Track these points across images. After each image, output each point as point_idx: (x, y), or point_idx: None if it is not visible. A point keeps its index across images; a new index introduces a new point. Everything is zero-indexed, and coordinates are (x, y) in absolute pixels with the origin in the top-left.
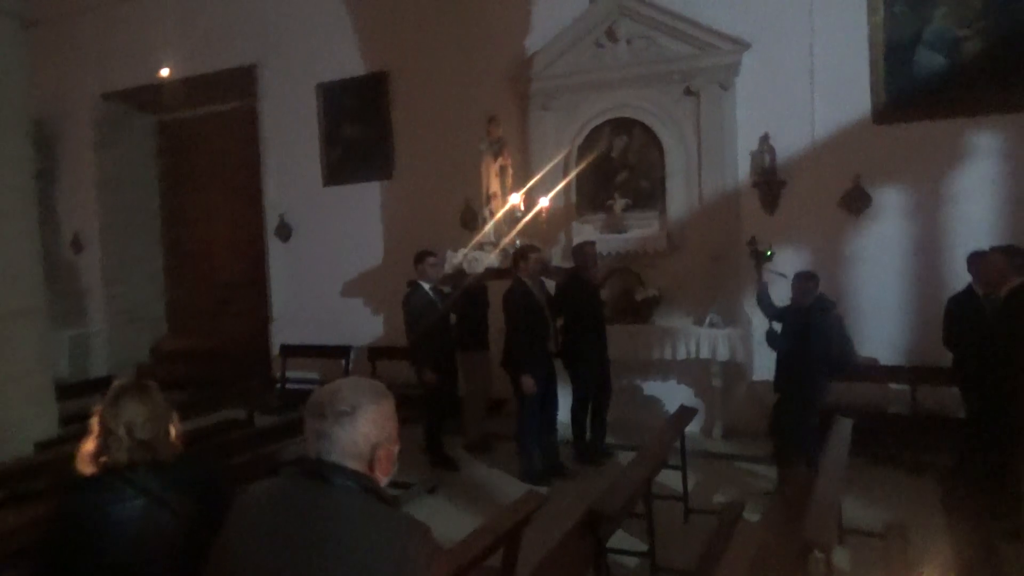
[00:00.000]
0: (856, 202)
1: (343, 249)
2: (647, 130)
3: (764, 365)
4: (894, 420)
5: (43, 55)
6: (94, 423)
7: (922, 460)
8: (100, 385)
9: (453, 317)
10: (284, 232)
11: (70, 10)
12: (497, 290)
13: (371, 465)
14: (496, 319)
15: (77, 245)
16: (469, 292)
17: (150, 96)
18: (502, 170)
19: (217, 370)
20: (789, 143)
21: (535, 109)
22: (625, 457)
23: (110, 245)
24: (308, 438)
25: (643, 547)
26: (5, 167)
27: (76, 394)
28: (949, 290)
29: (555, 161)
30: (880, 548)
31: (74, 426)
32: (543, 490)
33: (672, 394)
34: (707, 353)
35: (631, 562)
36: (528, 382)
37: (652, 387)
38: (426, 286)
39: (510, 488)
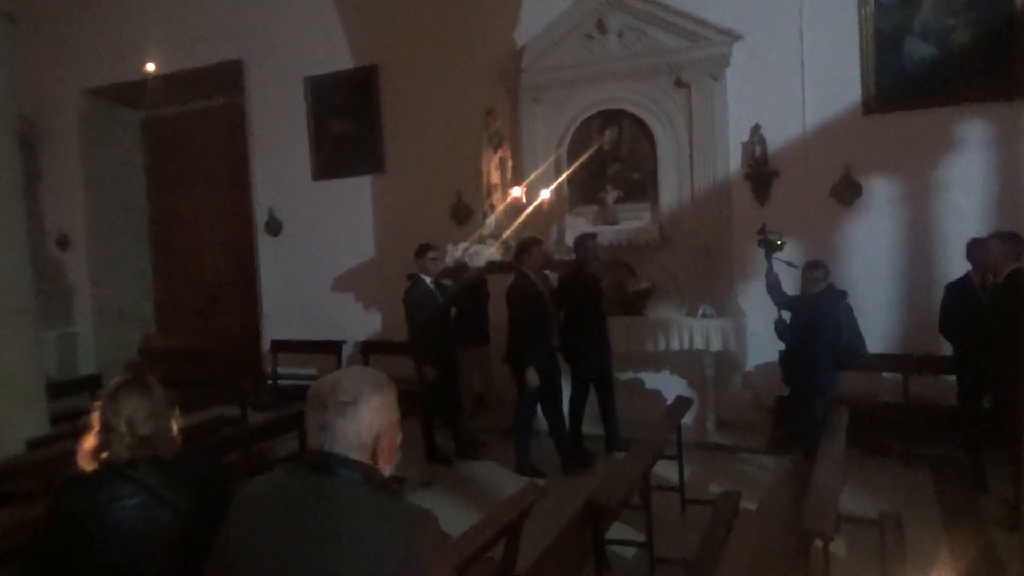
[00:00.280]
0: (847, 192)
1: (334, 244)
2: (638, 122)
3: (757, 356)
4: (886, 409)
5: (27, 51)
6: (94, 419)
7: (914, 449)
8: (88, 384)
9: (453, 311)
10: (274, 228)
11: (54, 6)
12: (496, 283)
13: (374, 455)
14: (494, 313)
15: (63, 242)
16: (470, 286)
17: (135, 92)
18: (502, 162)
19: (208, 368)
20: (780, 134)
21: (526, 102)
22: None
23: (96, 243)
24: (309, 430)
25: (641, 538)
26: None
27: (64, 393)
28: (940, 279)
29: (556, 154)
30: (875, 537)
31: (64, 425)
32: (541, 482)
33: (665, 385)
34: (700, 344)
35: (629, 552)
36: (532, 376)
37: (645, 378)
38: (427, 280)
39: (505, 481)
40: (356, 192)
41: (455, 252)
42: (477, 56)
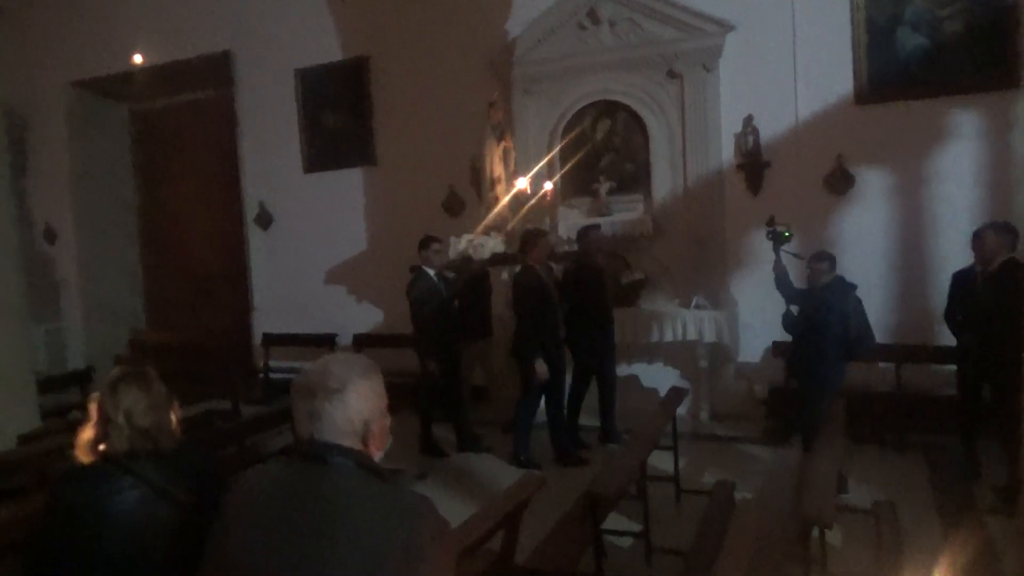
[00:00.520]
0: (839, 182)
1: (325, 237)
2: (631, 113)
3: (749, 346)
4: (879, 399)
5: (12, 43)
6: (92, 410)
7: (907, 438)
8: (79, 378)
9: (456, 304)
10: (264, 220)
11: None
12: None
13: (365, 441)
14: (495, 306)
15: (50, 236)
16: (473, 278)
17: (123, 85)
18: (505, 153)
19: (199, 362)
20: (772, 125)
21: (518, 93)
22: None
23: (84, 237)
24: (298, 420)
25: (637, 528)
26: None
27: (54, 388)
28: (932, 269)
29: (550, 145)
30: (870, 525)
31: (55, 419)
32: (537, 472)
33: (659, 376)
34: (693, 335)
35: (625, 543)
36: (541, 369)
37: (639, 370)
38: (430, 272)
39: (501, 473)
40: (348, 185)
41: (458, 244)
42: (469, 47)
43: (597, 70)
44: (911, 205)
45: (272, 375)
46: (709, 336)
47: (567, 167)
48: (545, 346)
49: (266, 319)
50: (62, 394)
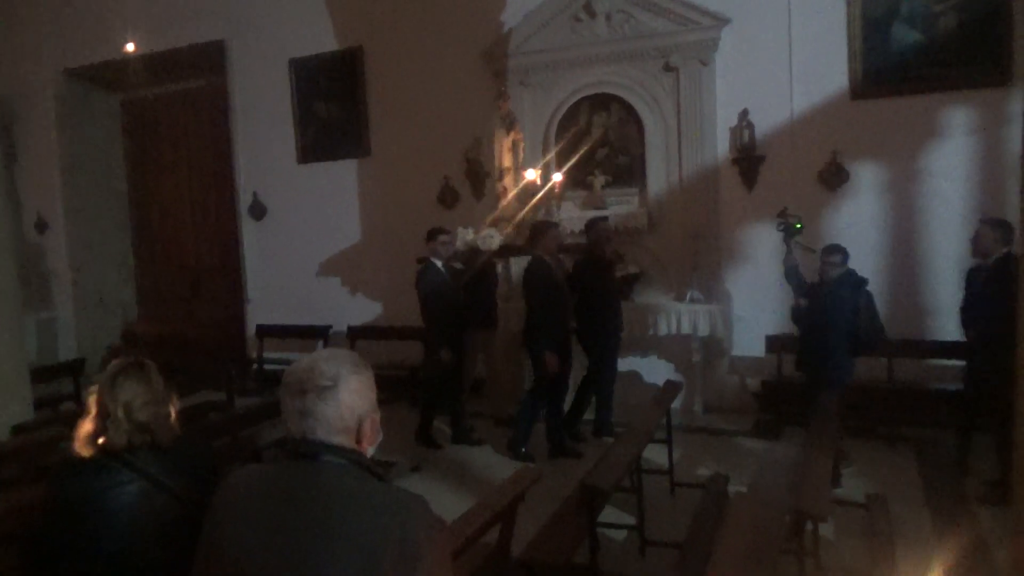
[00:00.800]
0: (834, 177)
1: (319, 228)
2: (626, 106)
3: (743, 340)
4: (871, 393)
5: (0, 28)
6: (91, 403)
7: (899, 432)
8: (71, 369)
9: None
10: (258, 211)
11: None
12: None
13: (358, 437)
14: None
15: (41, 225)
16: (481, 269)
17: (114, 73)
18: (514, 144)
19: (192, 353)
20: (768, 119)
21: (513, 85)
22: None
23: (75, 227)
24: (289, 418)
25: (631, 521)
26: None
27: (46, 378)
28: (925, 264)
29: (561, 139)
30: (862, 517)
31: (47, 411)
32: (533, 465)
33: (653, 370)
34: (687, 329)
35: (620, 535)
36: (552, 360)
37: (633, 363)
38: (438, 263)
39: (495, 466)
40: (342, 176)
41: (466, 236)
42: (464, 38)
43: (592, 63)
44: (904, 200)
45: (266, 367)
46: (703, 330)
47: (562, 160)
48: (555, 337)
49: (259, 311)
50: (54, 384)
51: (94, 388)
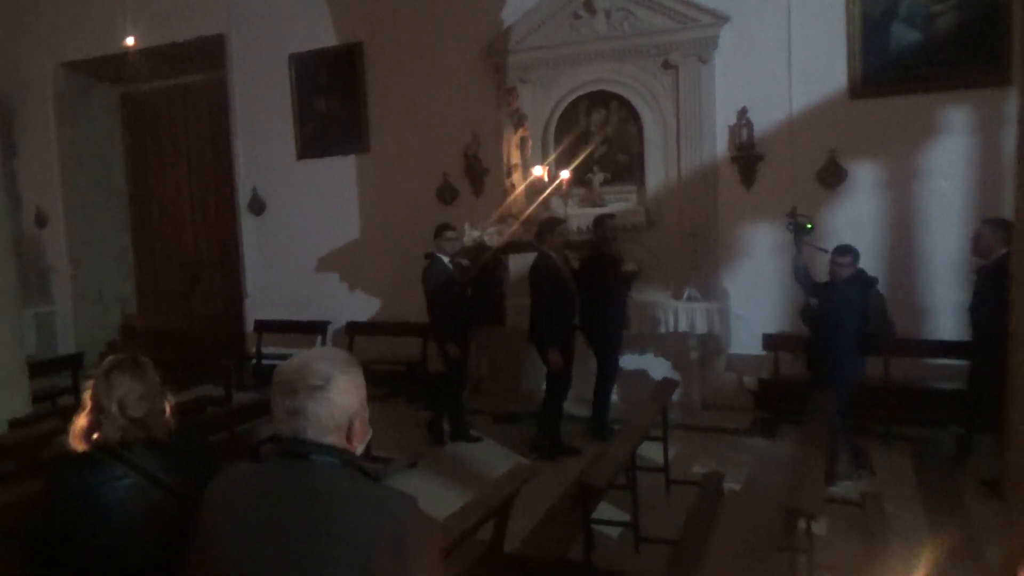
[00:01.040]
0: (832, 176)
1: (318, 224)
2: (625, 103)
3: (741, 338)
4: (867, 391)
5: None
6: (86, 399)
7: (894, 430)
8: (69, 363)
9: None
10: (257, 207)
11: None
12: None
13: (348, 436)
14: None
15: (41, 220)
16: (487, 265)
17: (114, 67)
18: (522, 141)
19: (191, 348)
20: (766, 117)
21: (512, 82)
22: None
23: (74, 221)
24: (279, 417)
25: (625, 518)
26: None
27: (45, 373)
28: (922, 263)
29: (574, 135)
30: (857, 516)
31: (45, 404)
32: (527, 462)
33: (650, 367)
34: (685, 327)
35: (614, 532)
36: (556, 356)
37: (630, 360)
38: (444, 259)
39: (492, 462)
40: (341, 171)
41: (472, 232)
42: (463, 35)
43: (592, 60)
44: (903, 200)
45: (264, 362)
46: (701, 328)
47: (560, 157)
48: (560, 334)
49: (258, 306)
50: (53, 379)
51: (89, 383)
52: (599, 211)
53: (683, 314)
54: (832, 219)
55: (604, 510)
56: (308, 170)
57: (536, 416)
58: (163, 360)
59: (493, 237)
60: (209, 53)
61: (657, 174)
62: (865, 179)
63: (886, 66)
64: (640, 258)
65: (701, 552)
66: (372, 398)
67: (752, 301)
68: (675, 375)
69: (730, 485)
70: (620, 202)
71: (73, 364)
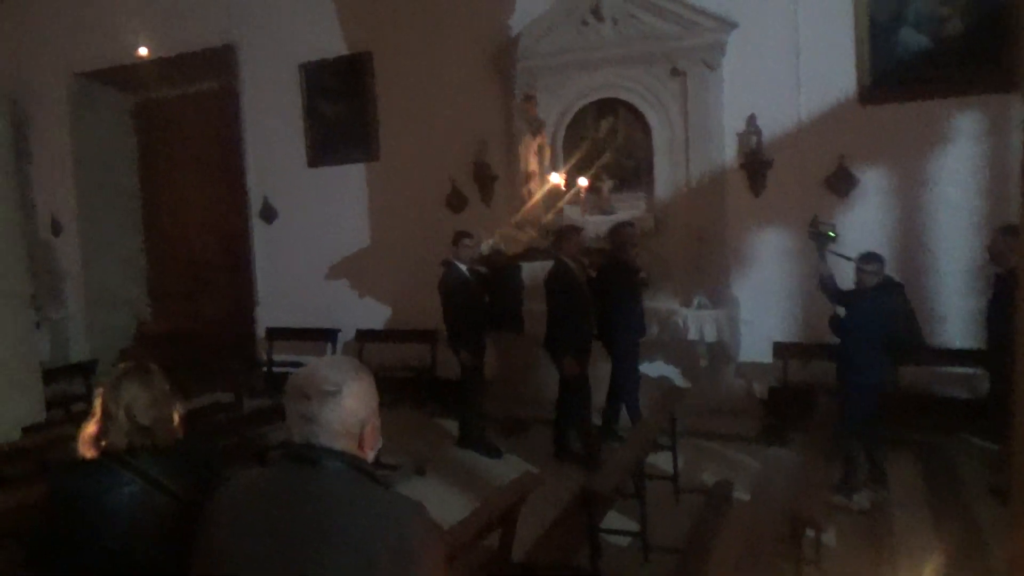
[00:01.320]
0: (842, 183)
1: (328, 231)
2: (633, 110)
3: (750, 346)
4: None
5: (14, 31)
6: (96, 406)
7: (903, 437)
8: (82, 369)
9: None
10: (268, 214)
11: None
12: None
13: (359, 442)
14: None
15: (56, 227)
16: (503, 272)
17: (126, 76)
18: (540, 149)
19: (202, 354)
20: (775, 124)
21: (520, 89)
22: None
23: (88, 228)
24: (292, 423)
25: (634, 527)
26: None
27: (58, 379)
28: (932, 270)
29: (587, 143)
30: (866, 526)
31: (58, 410)
32: (536, 470)
33: (658, 374)
34: (694, 334)
35: (623, 541)
36: (572, 364)
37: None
38: (461, 266)
39: (499, 467)
40: (351, 179)
41: (488, 243)
42: (471, 43)
43: (600, 66)
44: (913, 206)
45: (275, 369)
46: (710, 335)
47: (576, 166)
48: (576, 341)
49: (268, 312)
50: (66, 385)
51: (99, 391)
52: (608, 218)
53: (692, 321)
54: (842, 226)
55: (613, 519)
56: (318, 178)
57: (554, 424)
58: (174, 366)
59: (509, 241)
60: (220, 62)
61: (665, 181)
62: (875, 185)
63: (895, 72)
64: (648, 265)
65: (706, 561)
66: (380, 404)
67: (761, 308)
68: (684, 382)
69: (740, 494)
70: (629, 209)
71: (86, 370)
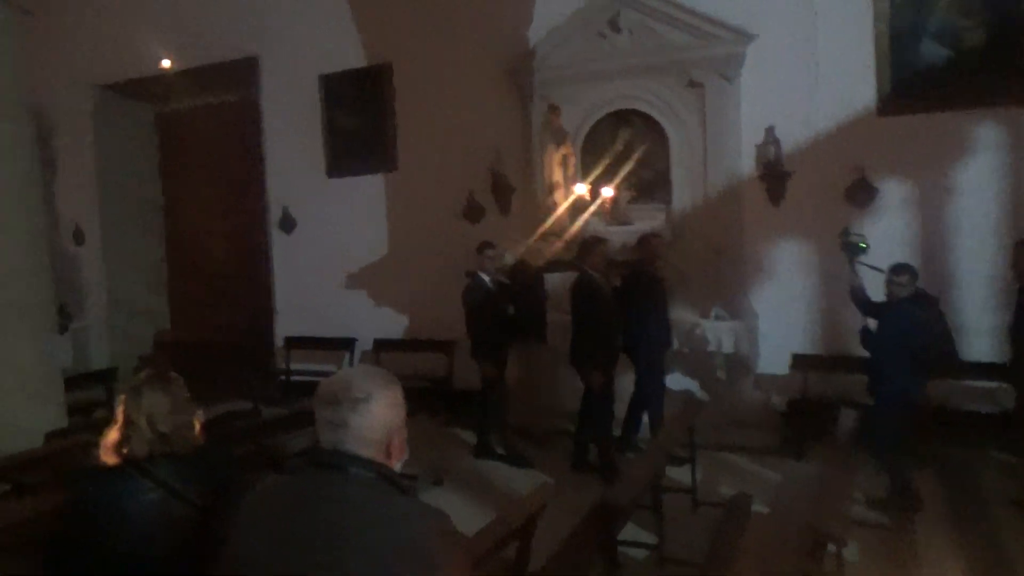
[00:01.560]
0: (861, 195)
1: (346, 241)
2: (651, 121)
3: (769, 358)
4: None
5: (39, 45)
6: (119, 413)
7: (927, 451)
8: (104, 377)
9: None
10: (287, 225)
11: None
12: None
13: (387, 451)
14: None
15: (79, 237)
16: (527, 283)
17: (149, 87)
18: (564, 159)
19: (221, 362)
20: (794, 135)
21: (537, 100)
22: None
23: (110, 237)
24: (321, 428)
25: (652, 540)
26: (8, 159)
27: (79, 386)
28: (953, 283)
29: (611, 154)
30: (888, 540)
31: (80, 418)
32: (551, 481)
33: (676, 387)
34: (712, 346)
35: (640, 554)
36: (597, 377)
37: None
38: (485, 277)
39: (515, 478)
40: (369, 190)
41: (513, 251)
42: (489, 55)
43: (616, 77)
44: (933, 218)
45: (293, 378)
46: (728, 347)
47: (587, 175)
48: (601, 353)
49: (286, 321)
50: (87, 392)
51: (121, 398)
52: (626, 229)
53: (710, 333)
54: None
55: (631, 531)
56: (337, 188)
57: (575, 436)
58: (193, 374)
59: (533, 252)
60: (241, 74)
61: (683, 192)
62: (895, 197)
63: (914, 83)
64: (666, 276)
65: (725, 575)
66: None
67: (780, 320)
68: (702, 394)
69: (758, 507)
70: (646, 220)
71: (107, 378)
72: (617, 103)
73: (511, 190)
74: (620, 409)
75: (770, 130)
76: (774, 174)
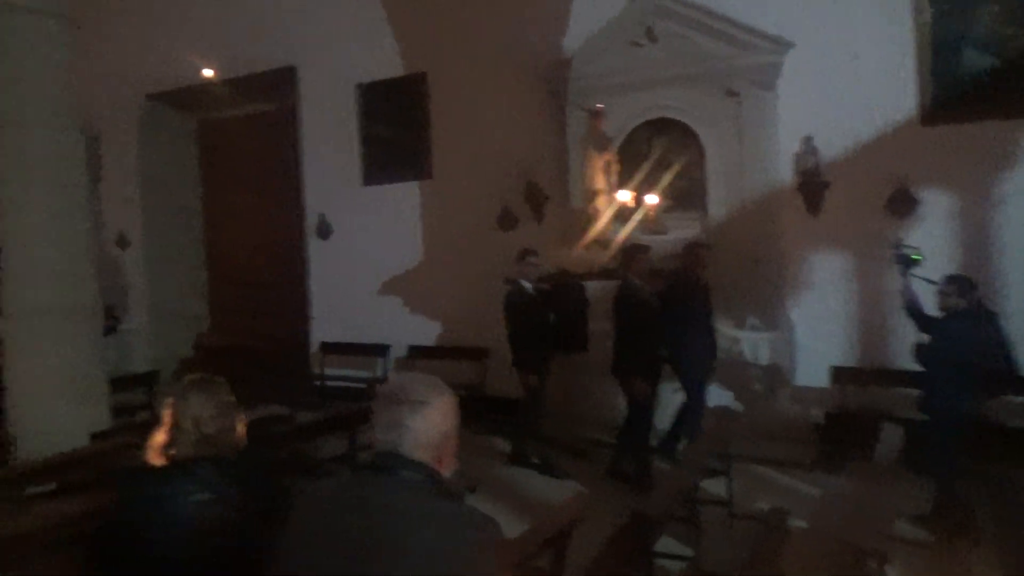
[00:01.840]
0: (902, 205)
1: (382, 248)
2: (687, 130)
3: (807, 371)
4: None
5: (89, 56)
6: (165, 415)
7: (975, 469)
8: (146, 380)
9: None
10: (324, 231)
11: (113, 11)
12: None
13: (439, 457)
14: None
15: (123, 242)
16: (569, 291)
17: (191, 97)
18: (607, 165)
19: (258, 367)
20: (833, 144)
21: (573, 110)
22: None
23: (153, 243)
24: (378, 428)
25: (688, 552)
26: (60, 167)
27: (123, 387)
28: (995, 294)
29: (650, 163)
30: (932, 559)
31: (124, 419)
32: (586, 491)
33: (712, 398)
34: (748, 357)
35: (676, 566)
36: (642, 386)
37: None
38: (526, 284)
39: (549, 487)
40: (404, 197)
41: (547, 263)
42: (525, 64)
43: (653, 87)
44: (976, 229)
45: (328, 383)
46: (764, 358)
47: (623, 183)
48: (644, 362)
49: (322, 327)
50: (130, 394)
51: (169, 401)
52: (662, 239)
53: (746, 343)
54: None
55: (666, 544)
56: (373, 196)
57: (615, 446)
58: (231, 378)
59: (575, 260)
60: (280, 83)
61: (720, 201)
62: (937, 207)
63: (959, 91)
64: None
65: None
66: None
67: (818, 331)
68: (738, 406)
69: (795, 521)
70: (682, 229)
71: (149, 380)
72: (653, 112)
73: (545, 198)
74: (661, 419)
75: (808, 139)
76: (812, 184)
